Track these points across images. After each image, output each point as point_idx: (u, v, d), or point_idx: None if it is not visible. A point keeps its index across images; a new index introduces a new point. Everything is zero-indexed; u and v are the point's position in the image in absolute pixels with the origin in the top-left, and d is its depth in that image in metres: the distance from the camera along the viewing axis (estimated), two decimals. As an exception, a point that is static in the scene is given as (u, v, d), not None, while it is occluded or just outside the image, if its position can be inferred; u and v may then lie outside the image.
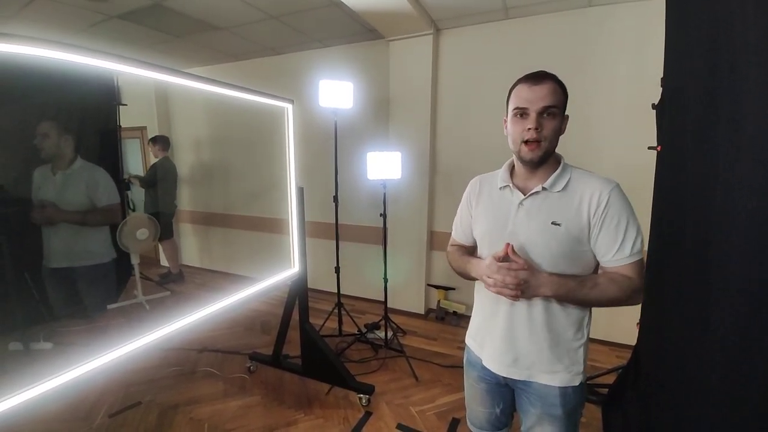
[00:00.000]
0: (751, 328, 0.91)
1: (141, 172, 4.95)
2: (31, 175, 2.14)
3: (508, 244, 0.96)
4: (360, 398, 2.17)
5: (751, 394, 0.92)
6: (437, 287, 3.37)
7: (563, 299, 0.95)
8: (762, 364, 0.89)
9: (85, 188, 2.16)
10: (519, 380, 1.05)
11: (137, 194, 4.05)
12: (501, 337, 1.04)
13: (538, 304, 0.99)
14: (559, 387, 1.00)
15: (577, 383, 1.01)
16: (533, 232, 0.97)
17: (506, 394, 1.14)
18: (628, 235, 0.92)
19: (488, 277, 0.96)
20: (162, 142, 4.08)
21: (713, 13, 1.11)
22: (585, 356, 1.03)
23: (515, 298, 0.93)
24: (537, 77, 0.94)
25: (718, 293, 1.03)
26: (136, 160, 5.03)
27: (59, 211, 2.10)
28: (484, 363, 1.11)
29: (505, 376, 1.06)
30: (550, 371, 1.01)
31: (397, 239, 3.35)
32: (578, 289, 0.92)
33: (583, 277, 0.95)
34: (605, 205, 0.92)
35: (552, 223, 0.95)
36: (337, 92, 2.60)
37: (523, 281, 0.92)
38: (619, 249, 0.93)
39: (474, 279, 1.11)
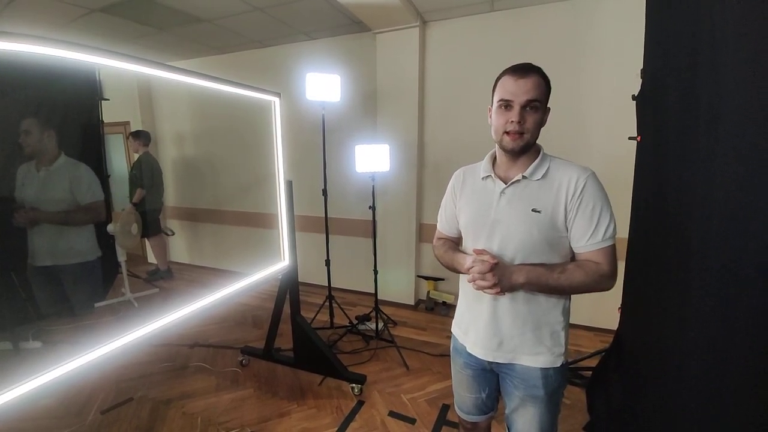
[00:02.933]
0: (732, 315, 0.96)
1: (125, 168, 4.88)
2: (14, 173, 2.09)
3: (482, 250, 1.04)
4: (352, 388, 2.20)
5: (731, 379, 0.97)
6: (427, 278, 3.42)
7: (536, 286, 0.98)
8: (742, 350, 0.94)
9: (68, 185, 2.12)
10: (503, 364, 1.09)
11: (118, 190, 3.95)
12: (486, 323, 1.08)
13: (519, 290, 1.02)
14: (541, 368, 1.04)
15: (558, 364, 1.05)
16: (515, 219, 1.00)
17: (491, 380, 1.18)
18: (601, 220, 0.95)
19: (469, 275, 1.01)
20: (144, 137, 4.00)
21: (694, 9, 1.14)
22: (566, 338, 1.07)
23: (500, 293, 0.98)
24: (523, 70, 0.96)
25: (699, 280, 1.08)
26: (119, 156, 4.94)
27: (41, 213, 2.07)
28: (468, 349, 1.14)
29: (490, 360, 1.10)
30: (533, 353, 1.04)
31: (386, 232, 3.37)
32: (548, 275, 0.95)
33: (551, 264, 0.99)
34: (581, 190, 0.95)
35: (532, 210, 0.98)
36: (324, 85, 2.59)
37: (496, 277, 0.95)
38: (593, 234, 0.95)
39: (457, 271, 1.15)
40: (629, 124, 1.75)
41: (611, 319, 1.96)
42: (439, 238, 1.28)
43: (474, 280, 0.98)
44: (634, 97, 1.66)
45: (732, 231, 0.95)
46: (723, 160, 0.99)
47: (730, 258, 0.96)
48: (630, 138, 1.72)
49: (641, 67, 1.61)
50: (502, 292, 0.97)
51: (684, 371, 1.16)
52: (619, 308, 1.79)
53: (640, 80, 1.62)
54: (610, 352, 1.83)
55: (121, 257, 3.32)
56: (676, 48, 1.29)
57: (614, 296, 1.45)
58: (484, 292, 0.99)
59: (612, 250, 0.97)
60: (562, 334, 1.06)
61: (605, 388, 1.80)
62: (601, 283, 0.96)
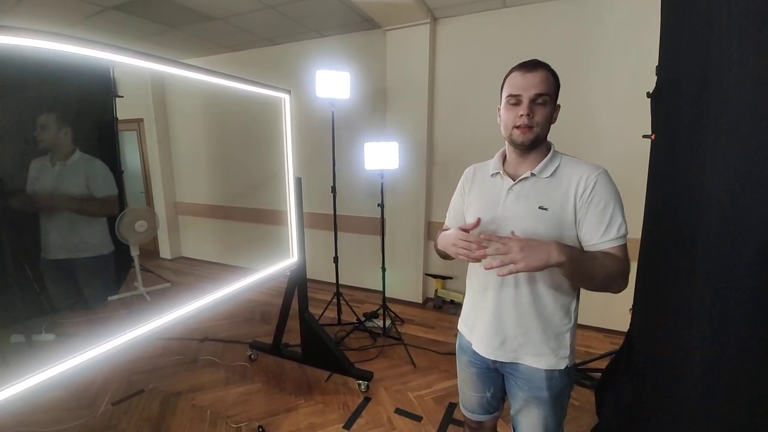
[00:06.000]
0: (733, 316, 0.95)
1: (138, 164, 4.96)
2: (28, 167, 2.15)
3: (478, 219, 1.01)
4: (359, 384, 2.21)
5: (723, 373, 0.98)
6: (435, 276, 3.41)
7: (573, 269, 0.85)
8: (733, 345, 0.95)
9: (84, 179, 2.17)
10: (507, 363, 1.08)
11: (131, 186, 4.03)
12: (489, 321, 1.07)
13: (524, 287, 1.01)
14: (546, 370, 1.02)
15: (563, 366, 1.03)
16: (521, 216, 0.99)
17: (496, 379, 1.17)
18: (614, 218, 0.93)
19: (453, 246, 0.96)
20: None
21: (708, 8, 1.12)
22: (572, 340, 1.05)
23: (508, 271, 0.81)
24: (530, 65, 0.96)
25: (702, 280, 1.07)
26: (133, 152, 5.02)
27: (62, 198, 2.12)
28: (474, 347, 1.13)
29: (493, 359, 1.09)
30: (537, 354, 1.03)
31: (394, 229, 3.37)
32: (582, 257, 0.89)
33: (582, 249, 0.96)
34: (592, 188, 0.93)
35: (539, 207, 0.97)
36: (334, 82, 2.59)
37: (508, 254, 0.81)
38: (605, 231, 0.93)
39: (449, 258, 1.07)
40: (642, 122, 1.72)
41: (621, 321, 1.93)
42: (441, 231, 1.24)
43: (455, 247, 0.95)
44: (649, 95, 1.63)
45: (734, 232, 0.95)
46: (727, 162, 0.98)
47: (732, 259, 0.96)
48: (644, 136, 1.69)
49: (656, 64, 1.58)
50: (529, 270, 0.81)
51: (694, 375, 1.14)
52: (630, 309, 1.77)
53: (655, 77, 1.59)
54: (620, 354, 1.81)
55: (134, 252, 3.37)
56: (689, 48, 1.27)
57: (625, 297, 1.42)
58: (499, 274, 0.82)
59: (626, 249, 0.95)
60: (567, 336, 1.03)
61: (615, 390, 1.77)
62: (621, 278, 0.92)
